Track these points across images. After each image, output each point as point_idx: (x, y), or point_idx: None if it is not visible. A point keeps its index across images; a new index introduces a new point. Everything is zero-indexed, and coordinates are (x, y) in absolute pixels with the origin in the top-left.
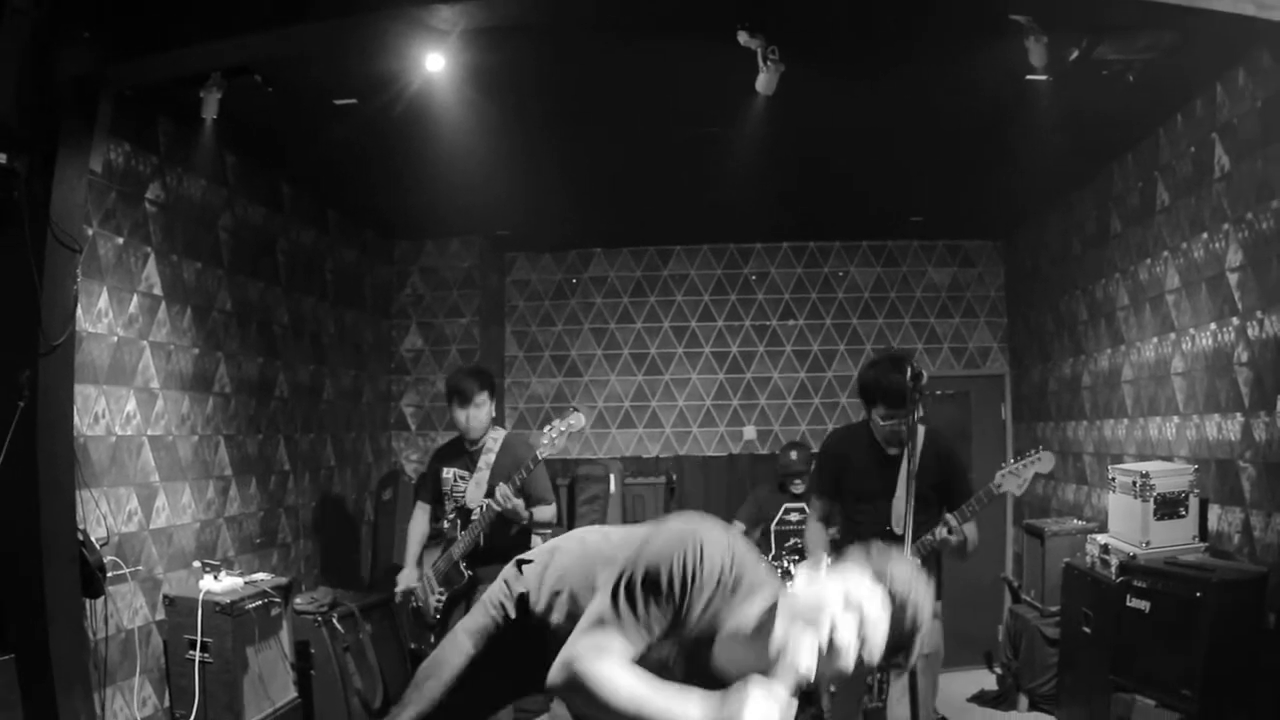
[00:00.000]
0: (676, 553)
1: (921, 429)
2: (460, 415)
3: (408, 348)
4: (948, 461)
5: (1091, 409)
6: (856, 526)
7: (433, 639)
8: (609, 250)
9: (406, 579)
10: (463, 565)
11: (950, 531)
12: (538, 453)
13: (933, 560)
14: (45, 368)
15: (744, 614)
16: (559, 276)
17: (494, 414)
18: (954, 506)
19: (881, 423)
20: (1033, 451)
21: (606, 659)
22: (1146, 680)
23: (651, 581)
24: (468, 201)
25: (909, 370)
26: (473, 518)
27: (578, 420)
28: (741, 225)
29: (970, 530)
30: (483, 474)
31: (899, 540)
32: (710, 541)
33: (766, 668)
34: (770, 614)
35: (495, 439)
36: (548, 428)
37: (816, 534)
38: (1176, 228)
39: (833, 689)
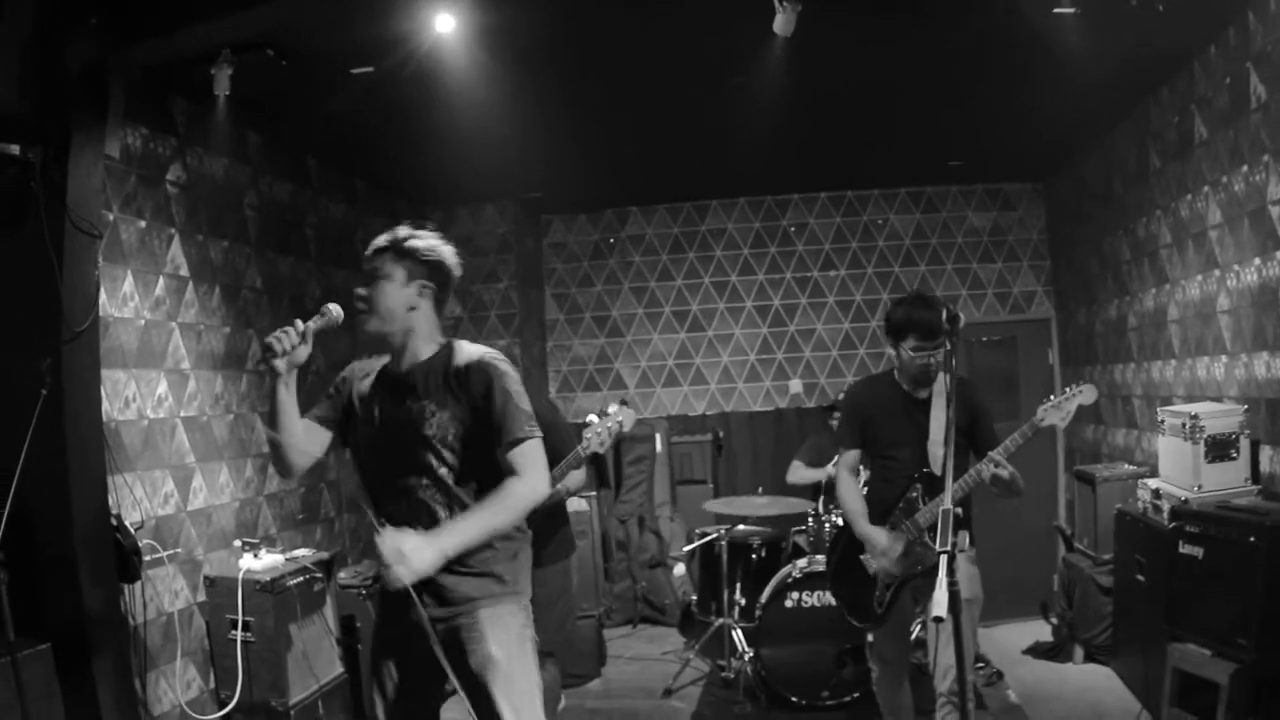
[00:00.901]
0: None
1: (944, 376)
2: None
3: (446, 315)
4: (972, 406)
5: (1139, 350)
6: (887, 473)
7: None
8: (644, 208)
9: None
10: None
11: (997, 466)
12: (580, 449)
13: (965, 505)
14: (69, 355)
15: None
16: (595, 237)
17: None
18: (981, 450)
19: (912, 355)
20: (1075, 385)
21: None
22: (1201, 629)
23: None
24: (497, 166)
25: (945, 311)
26: None
27: (628, 418)
28: (777, 176)
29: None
30: None
31: (936, 482)
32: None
33: None
34: None
35: None
36: (594, 422)
37: (850, 487)
38: (1216, 161)
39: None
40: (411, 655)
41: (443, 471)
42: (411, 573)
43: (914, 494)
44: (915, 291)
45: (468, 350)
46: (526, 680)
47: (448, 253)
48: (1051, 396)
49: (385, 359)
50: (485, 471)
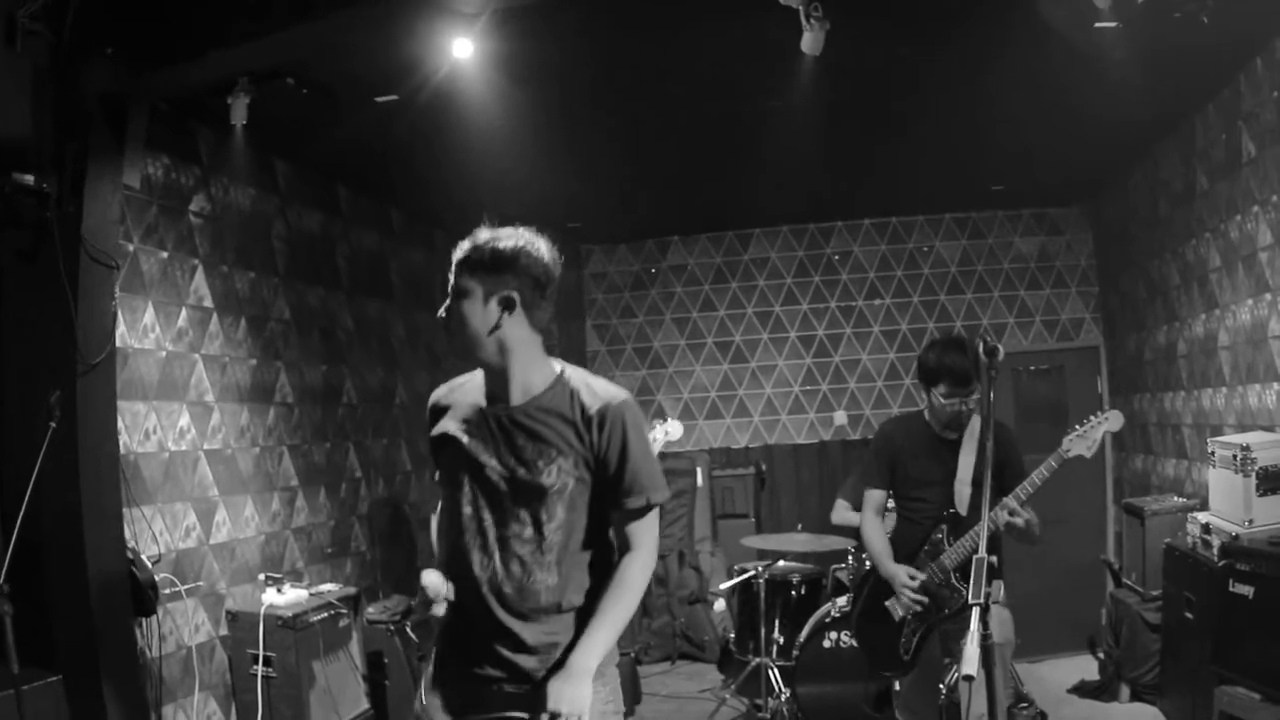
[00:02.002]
0: None
1: (976, 417)
2: None
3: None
4: (1001, 445)
5: (1188, 378)
6: (914, 514)
7: None
8: (686, 237)
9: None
10: None
11: (1011, 514)
12: None
13: (996, 549)
14: (84, 387)
15: None
16: (636, 267)
17: None
18: (1007, 489)
19: (943, 401)
20: (1100, 412)
21: None
22: (1251, 671)
23: None
24: (535, 195)
25: (983, 344)
26: None
27: (676, 429)
28: (820, 204)
29: (1030, 514)
30: None
31: (962, 523)
32: None
33: None
34: None
35: None
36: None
37: (875, 527)
38: (1265, 179)
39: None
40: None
41: (552, 527)
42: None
43: (939, 535)
44: (949, 334)
45: (596, 388)
46: None
47: (537, 252)
48: (1077, 426)
49: (478, 379)
50: (593, 532)
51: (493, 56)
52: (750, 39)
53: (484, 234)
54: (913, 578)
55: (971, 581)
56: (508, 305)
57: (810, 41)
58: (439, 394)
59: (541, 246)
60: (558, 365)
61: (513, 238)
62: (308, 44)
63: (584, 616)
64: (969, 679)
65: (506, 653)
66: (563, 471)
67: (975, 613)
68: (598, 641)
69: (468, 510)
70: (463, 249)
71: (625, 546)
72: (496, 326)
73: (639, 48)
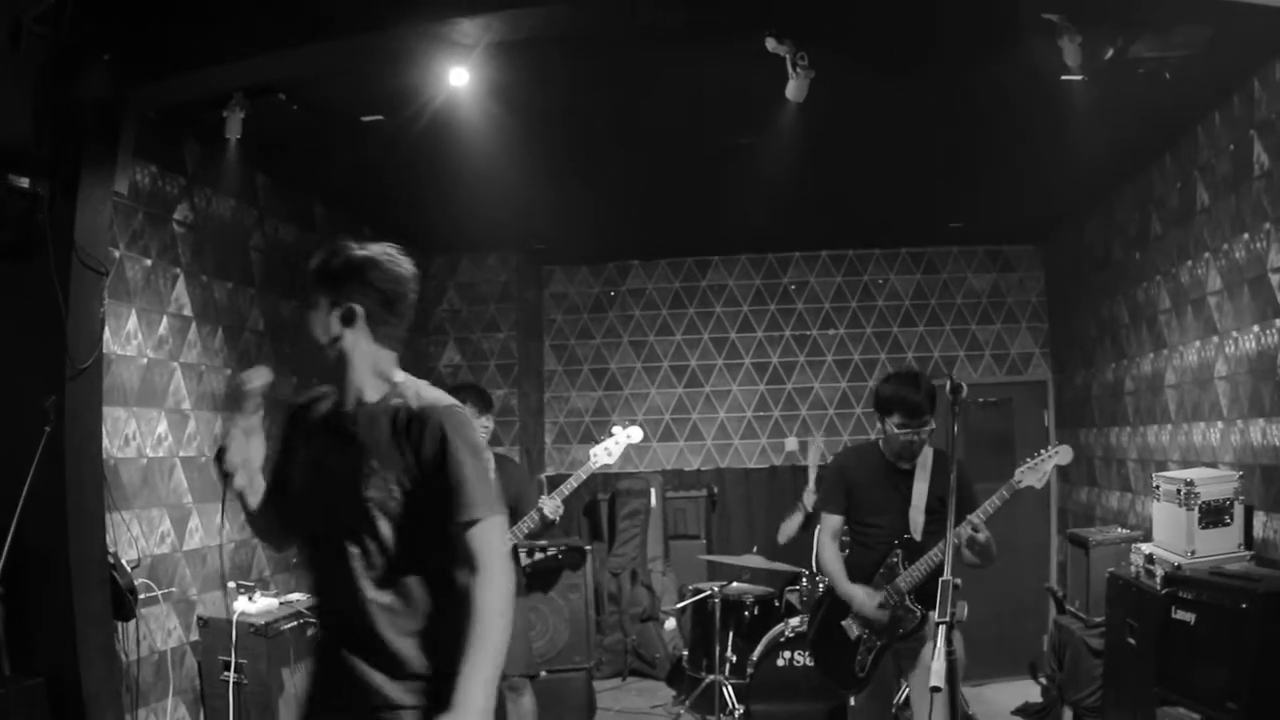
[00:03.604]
0: None
1: (928, 448)
2: (486, 422)
3: (445, 363)
4: (960, 476)
5: (1135, 414)
6: (868, 539)
7: None
8: (646, 262)
9: None
10: None
11: (975, 529)
12: (591, 464)
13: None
14: (73, 391)
15: None
16: (597, 289)
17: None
18: (961, 515)
19: (897, 431)
20: (1050, 446)
21: None
22: (1192, 693)
23: None
24: (502, 216)
25: (949, 382)
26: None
27: (636, 433)
28: (779, 234)
29: (988, 533)
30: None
31: (916, 548)
32: None
33: None
34: None
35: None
36: (606, 439)
37: (832, 553)
38: (1217, 228)
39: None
40: None
41: (376, 545)
42: None
43: (894, 559)
44: (904, 368)
45: (418, 394)
46: None
47: (389, 267)
48: (1028, 459)
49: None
50: (430, 550)
51: (475, 85)
52: (727, 80)
53: (338, 246)
54: (870, 596)
55: (939, 600)
56: (347, 318)
57: (795, 89)
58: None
59: (399, 262)
60: (399, 377)
61: (363, 250)
62: (307, 64)
63: (434, 642)
64: (936, 690)
65: (367, 678)
66: (387, 484)
67: (941, 630)
68: (473, 692)
69: (307, 513)
70: (314, 259)
71: (470, 567)
72: (337, 338)
73: (616, 83)
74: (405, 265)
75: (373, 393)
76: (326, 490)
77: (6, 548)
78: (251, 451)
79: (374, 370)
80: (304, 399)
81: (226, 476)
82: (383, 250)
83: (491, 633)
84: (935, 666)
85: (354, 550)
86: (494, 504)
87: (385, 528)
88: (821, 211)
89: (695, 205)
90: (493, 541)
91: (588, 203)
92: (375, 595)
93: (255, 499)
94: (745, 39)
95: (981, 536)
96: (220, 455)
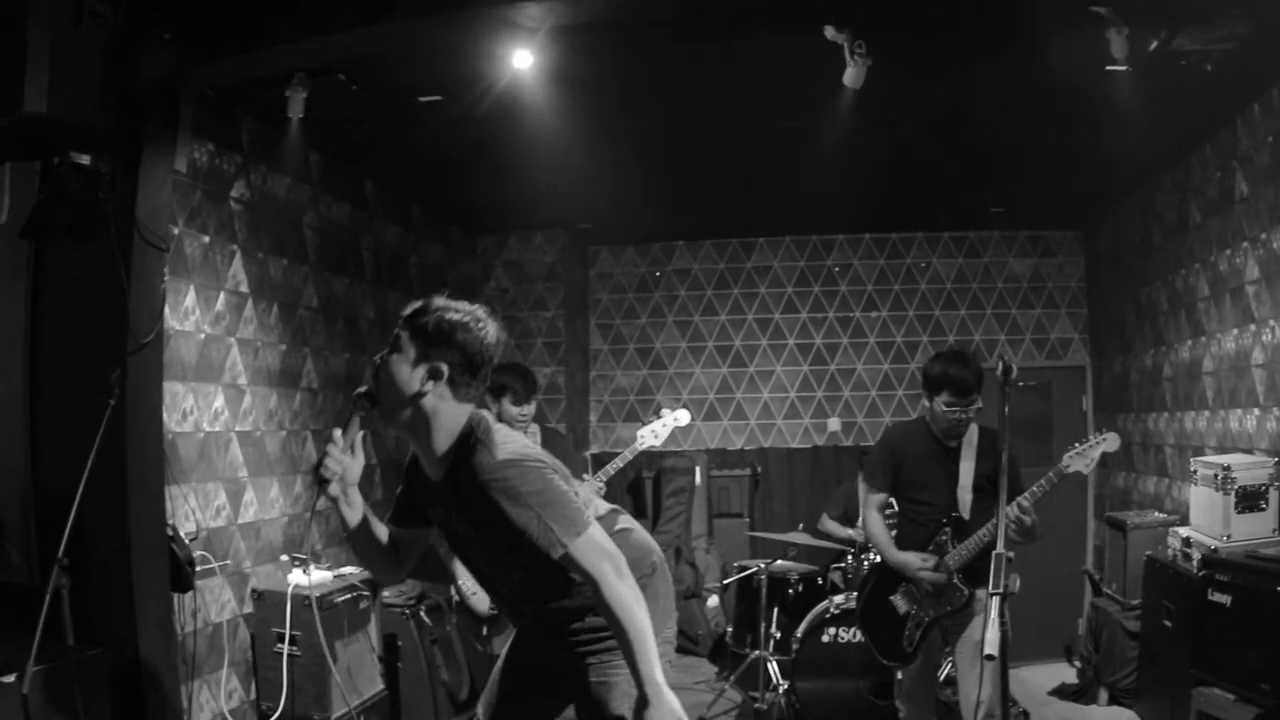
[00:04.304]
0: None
1: (974, 426)
2: (527, 409)
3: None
4: (1000, 454)
5: (1172, 400)
6: (918, 516)
7: (485, 631)
8: (692, 243)
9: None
10: None
11: (1023, 510)
12: (637, 445)
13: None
14: (134, 366)
15: None
16: (642, 269)
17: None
18: (1010, 496)
19: (945, 410)
20: (1100, 432)
21: None
22: (1226, 674)
23: None
24: (550, 195)
25: (1001, 364)
26: None
27: (684, 416)
28: (824, 217)
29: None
30: None
31: (965, 526)
32: None
33: None
34: None
35: (534, 432)
36: (653, 420)
37: (879, 524)
38: (1256, 218)
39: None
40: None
41: (515, 580)
42: None
43: (943, 537)
44: (953, 347)
45: (473, 465)
46: None
47: (480, 332)
48: (1076, 444)
49: None
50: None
51: (537, 68)
52: (781, 65)
53: (438, 301)
54: (924, 560)
55: (993, 571)
56: (435, 375)
57: (852, 76)
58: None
59: (488, 329)
60: (468, 429)
61: (460, 313)
62: (367, 45)
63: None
64: (990, 659)
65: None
66: (484, 547)
67: (993, 602)
68: (648, 665)
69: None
70: (412, 307)
71: (591, 585)
72: (420, 395)
73: (667, 61)
74: (492, 332)
75: (449, 453)
76: (458, 548)
77: (71, 520)
78: (349, 465)
79: (449, 430)
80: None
81: (322, 483)
82: (473, 314)
83: (634, 623)
84: (989, 635)
85: (503, 591)
86: (574, 522)
87: (514, 574)
88: (865, 195)
89: (741, 187)
90: (589, 554)
91: (636, 184)
92: (537, 610)
93: (354, 515)
94: (805, 31)
95: (1029, 520)
96: (317, 466)
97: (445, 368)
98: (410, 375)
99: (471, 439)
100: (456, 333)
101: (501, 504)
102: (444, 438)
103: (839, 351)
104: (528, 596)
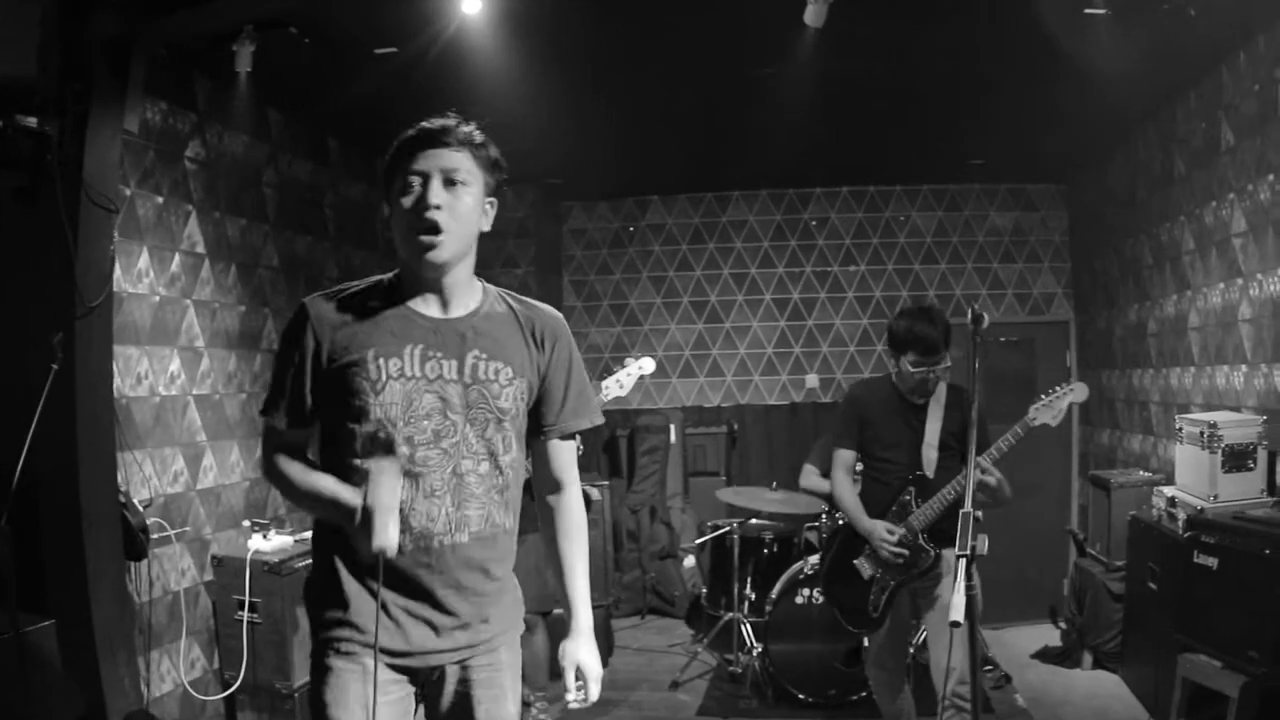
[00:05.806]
0: None
1: (943, 384)
2: None
3: None
4: (967, 411)
5: (1158, 357)
6: (881, 474)
7: None
8: (666, 197)
9: None
10: None
11: (984, 472)
12: (603, 396)
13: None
14: (82, 330)
15: None
16: (616, 225)
17: None
18: (977, 452)
19: (911, 369)
20: (1065, 383)
21: None
22: (1213, 640)
23: None
24: (519, 149)
25: (970, 312)
26: None
27: (648, 364)
28: (800, 170)
29: (999, 474)
30: None
31: (929, 485)
32: None
33: None
34: None
35: None
36: (618, 370)
37: (848, 488)
38: (1242, 169)
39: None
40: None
41: (508, 458)
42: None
43: (907, 497)
44: (918, 304)
45: (532, 300)
46: None
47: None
48: (1043, 395)
49: (371, 289)
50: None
51: (495, 12)
52: (751, 7)
53: (466, 122)
54: (891, 532)
55: (959, 533)
56: (489, 212)
57: (813, 14)
58: (322, 306)
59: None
60: (479, 280)
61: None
62: None
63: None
64: (955, 625)
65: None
66: (518, 396)
67: (961, 564)
68: (583, 597)
69: (403, 449)
70: (463, 130)
71: (560, 481)
72: (482, 231)
73: (632, 7)
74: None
75: (477, 295)
76: (444, 409)
77: (14, 486)
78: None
79: (472, 272)
80: (316, 312)
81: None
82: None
83: (586, 552)
84: (955, 601)
85: (482, 470)
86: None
87: (514, 442)
88: (843, 147)
89: (715, 139)
90: (573, 455)
91: (606, 137)
92: (499, 519)
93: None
94: None
95: (992, 479)
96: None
97: (495, 204)
98: (482, 212)
99: (489, 286)
100: (499, 158)
101: (572, 349)
102: (471, 280)
103: (816, 306)
104: (509, 478)
